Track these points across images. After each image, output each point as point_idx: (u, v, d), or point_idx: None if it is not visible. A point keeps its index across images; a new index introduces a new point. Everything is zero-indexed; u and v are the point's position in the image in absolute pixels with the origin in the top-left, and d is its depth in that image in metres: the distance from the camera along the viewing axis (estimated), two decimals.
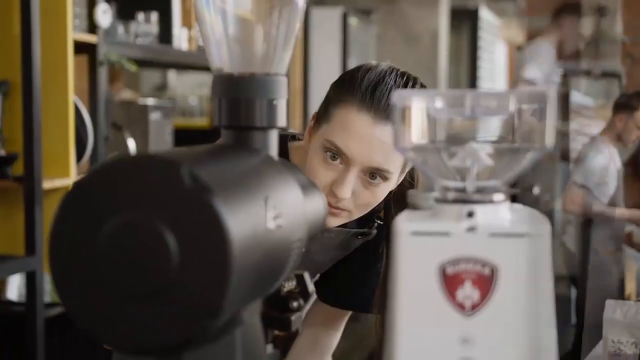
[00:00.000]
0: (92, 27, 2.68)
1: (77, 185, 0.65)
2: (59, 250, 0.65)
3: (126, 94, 4.13)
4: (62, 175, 2.52)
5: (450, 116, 0.73)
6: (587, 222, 4.36)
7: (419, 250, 0.70)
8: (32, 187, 2.35)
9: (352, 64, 5.93)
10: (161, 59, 3.19)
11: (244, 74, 0.83)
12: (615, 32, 9.75)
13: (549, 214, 4.61)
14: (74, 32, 2.58)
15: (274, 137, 0.84)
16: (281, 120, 0.84)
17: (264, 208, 0.70)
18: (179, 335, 0.63)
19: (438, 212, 0.73)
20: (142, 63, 3.19)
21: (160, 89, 5.68)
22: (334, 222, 1.32)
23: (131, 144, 2.93)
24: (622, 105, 4.48)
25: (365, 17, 5.08)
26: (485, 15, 7.57)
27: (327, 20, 5.12)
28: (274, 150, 0.84)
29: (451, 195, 0.73)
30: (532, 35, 10.06)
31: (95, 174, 0.65)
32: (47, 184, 2.44)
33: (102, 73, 2.70)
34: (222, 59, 0.84)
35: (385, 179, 1.28)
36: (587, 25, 4.59)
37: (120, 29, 2.96)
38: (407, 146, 0.74)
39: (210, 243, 0.62)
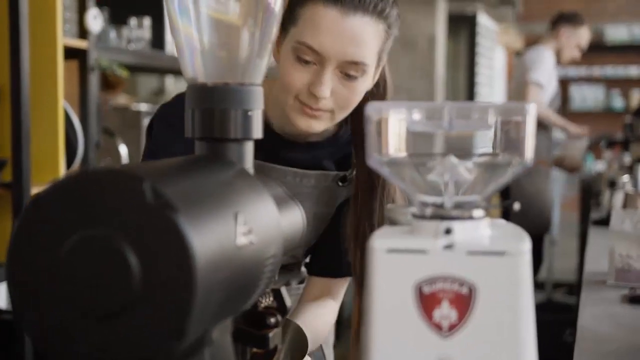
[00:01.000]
0: (83, 33, 2.66)
1: (38, 198, 0.62)
2: (18, 266, 0.62)
3: (122, 99, 4.10)
4: (52, 181, 2.49)
5: (428, 129, 0.71)
6: None
7: (394, 269, 0.68)
8: (20, 193, 2.32)
9: None
10: (153, 65, 3.17)
11: (217, 83, 0.81)
12: None
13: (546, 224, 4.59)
14: (65, 37, 2.55)
15: (249, 149, 0.82)
16: (257, 132, 0.82)
17: (234, 224, 0.67)
18: (141, 356, 0.60)
19: (416, 229, 0.71)
20: (134, 68, 3.17)
21: (158, 93, 5.66)
22: (317, 125, 1.29)
23: (123, 150, 2.90)
24: (567, 20, 4.54)
25: None
26: (484, 21, 7.55)
27: None
28: (249, 162, 0.82)
29: (429, 211, 0.70)
30: (530, 41, 10.05)
31: (57, 187, 0.62)
32: (36, 191, 2.40)
33: (93, 79, 2.67)
34: (195, 68, 0.82)
35: (362, 72, 1.25)
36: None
37: (113, 33, 2.94)
38: (382, 159, 0.71)
39: (173, 262, 0.59)
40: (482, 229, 0.70)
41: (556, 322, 4.64)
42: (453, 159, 0.71)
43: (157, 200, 0.59)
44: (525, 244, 0.67)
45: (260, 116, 0.82)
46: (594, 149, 9.98)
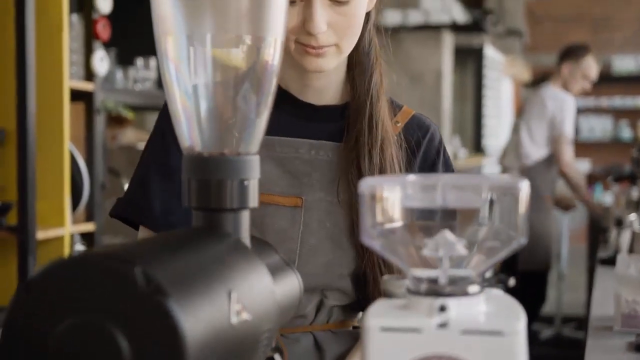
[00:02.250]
0: (90, 75, 2.68)
1: (29, 283, 0.62)
2: (10, 351, 0.62)
3: (130, 134, 4.12)
4: (57, 225, 2.50)
5: (422, 205, 0.70)
6: (534, 167, 4.44)
7: (389, 347, 0.67)
8: (26, 237, 2.33)
9: None
10: (160, 104, 3.18)
11: (213, 153, 0.81)
12: None
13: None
14: (71, 80, 2.57)
15: (245, 218, 0.82)
16: (253, 201, 0.82)
17: (227, 303, 0.67)
18: None
19: (410, 305, 0.70)
20: (141, 107, 3.19)
21: None
22: (326, 62, 1.20)
23: None
24: (569, 54, 4.55)
25: None
26: (490, 53, 7.58)
27: None
28: (245, 231, 0.82)
29: (423, 287, 0.70)
30: (537, 72, 10.08)
31: (48, 272, 0.62)
32: (41, 234, 2.41)
33: (99, 120, 2.68)
34: (191, 137, 0.82)
35: None
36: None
37: (119, 74, 2.96)
38: (375, 234, 0.71)
39: (165, 347, 0.59)
40: (477, 306, 0.69)
41: (565, 358, 4.60)
42: (448, 234, 0.70)
43: (148, 286, 0.59)
44: (521, 322, 0.67)
45: (256, 185, 0.82)
46: (602, 179, 9.97)
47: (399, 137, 1.28)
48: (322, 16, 1.15)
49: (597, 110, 10.19)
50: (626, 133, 10.09)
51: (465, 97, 7.41)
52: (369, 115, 1.25)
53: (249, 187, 0.81)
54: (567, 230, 6.10)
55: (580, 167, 10.13)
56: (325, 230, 1.23)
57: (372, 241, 0.71)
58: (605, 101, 10.11)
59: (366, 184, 0.70)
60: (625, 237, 3.02)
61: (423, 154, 1.30)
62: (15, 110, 2.39)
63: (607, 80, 10.05)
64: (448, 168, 1.28)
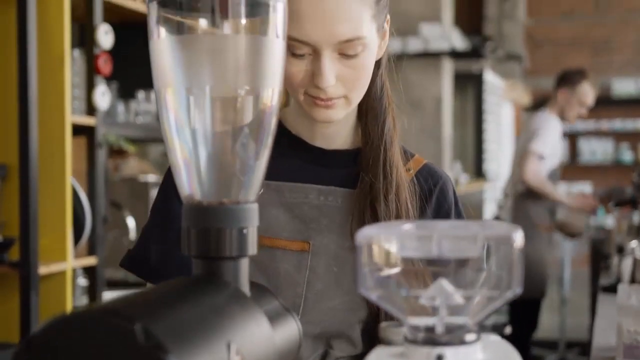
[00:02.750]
0: (91, 109, 2.69)
1: (30, 339, 0.63)
2: None
3: (133, 164, 4.14)
4: (59, 259, 2.50)
5: (418, 254, 0.71)
6: (526, 194, 4.43)
7: None
8: (28, 273, 2.33)
9: None
10: (161, 137, 3.20)
11: (212, 203, 0.82)
12: (518, 15, 9.80)
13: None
14: (73, 115, 2.59)
15: (244, 266, 0.83)
16: (252, 249, 0.83)
17: (227, 354, 0.68)
18: None
19: (408, 353, 0.71)
20: (143, 140, 3.21)
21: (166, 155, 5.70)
22: (335, 114, 1.19)
23: (131, 223, 2.92)
24: (564, 80, 4.55)
25: None
26: (490, 78, 7.61)
27: None
28: (244, 279, 0.83)
29: (420, 335, 0.71)
30: (537, 96, 10.13)
31: (49, 328, 0.63)
32: (43, 270, 2.42)
33: (101, 154, 2.70)
34: (191, 186, 0.83)
35: (361, 46, 1.15)
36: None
37: (121, 107, 2.98)
38: (372, 285, 0.72)
39: None
40: (474, 354, 0.70)
41: None
42: (444, 283, 0.71)
43: (148, 342, 0.60)
44: None
45: (255, 233, 0.83)
46: (604, 203, 9.97)
47: (411, 183, 1.27)
48: (330, 70, 1.15)
49: (598, 133, 10.22)
50: (627, 156, 10.11)
51: (465, 122, 7.44)
52: (384, 161, 1.24)
53: (247, 235, 0.82)
54: (570, 254, 6.09)
55: (582, 189, 10.16)
56: (333, 275, 1.22)
57: (369, 291, 0.72)
58: (605, 124, 10.14)
59: (363, 235, 0.71)
60: (627, 265, 3.01)
61: (435, 205, 1.29)
62: (18, 145, 2.40)
63: (607, 103, 10.09)
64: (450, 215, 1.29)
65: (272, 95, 0.84)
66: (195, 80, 0.81)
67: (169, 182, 1.27)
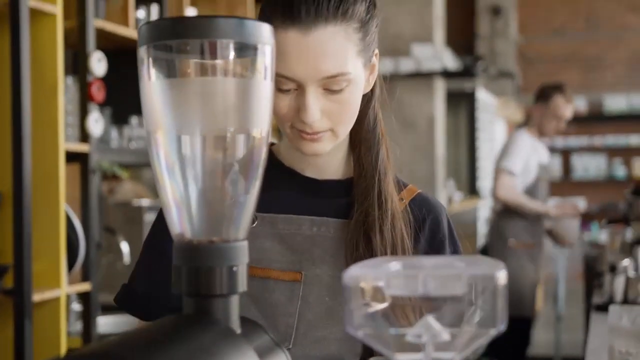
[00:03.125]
0: (85, 136, 2.71)
1: None
2: None
3: (127, 188, 4.14)
4: (53, 286, 2.51)
5: (404, 293, 0.73)
6: (504, 212, 4.41)
7: None
8: (22, 301, 2.34)
9: None
10: None
11: (203, 241, 0.83)
12: (510, 32, 9.85)
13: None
14: (66, 142, 2.60)
15: (235, 303, 0.84)
16: (242, 285, 0.84)
17: None
18: None
19: None
20: (137, 165, 3.22)
21: None
22: (322, 147, 1.20)
23: (125, 248, 2.93)
24: (539, 96, 4.56)
25: None
26: (482, 96, 7.65)
27: None
28: (234, 315, 0.84)
29: None
30: (529, 113, 10.18)
31: None
32: (37, 296, 2.42)
33: (94, 181, 2.71)
34: (182, 225, 0.85)
35: (346, 82, 1.16)
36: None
37: (114, 133, 2.99)
38: (360, 323, 0.73)
39: None
40: None
41: None
42: (431, 320, 0.73)
43: None
44: None
45: (245, 270, 0.85)
46: (598, 218, 9.99)
47: (405, 212, 1.28)
48: (315, 105, 1.16)
49: (591, 149, 10.27)
50: (620, 171, 10.16)
51: (458, 140, 7.47)
52: (378, 191, 1.25)
53: (237, 273, 0.83)
54: (564, 270, 6.11)
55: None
56: (324, 305, 1.23)
57: (356, 329, 0.74)
58: (598, 140, 10.19)
59: (350, 275, 0.73)
60: (619, 283, 3.02)
61: (429, 234, 1.30)
62: (11, 172, 2.41)
63: (600, 120, 10.15)
64: (456, 250, 1.30)
65: (260, 134, 0.85)
66: (185, 122, 0.83)
67: (161, 219, 1.28)
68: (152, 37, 0.81)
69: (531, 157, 4.45)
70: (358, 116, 1.23)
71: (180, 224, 0.85)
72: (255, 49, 0.83)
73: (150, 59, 0.82)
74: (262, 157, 0.86)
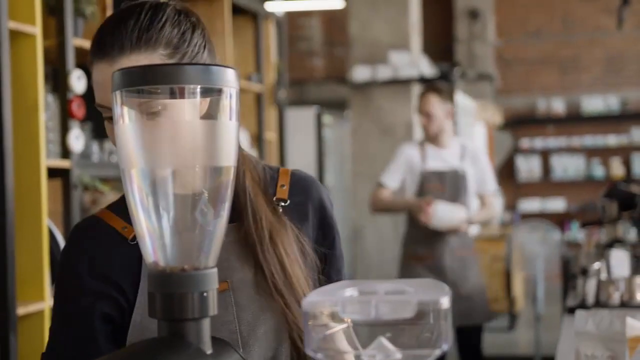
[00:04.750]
0: (66, 152, 2.76)
1: None
2: None
3: (110, 198, 4.18)
4: (37, 299, 2.57)
5: (359, 317, 0.80)
6: (405, 231, 4.19)
7: None
8: (6, 314, 2.39)
9: (328, 160, 6.07)
10: None
11: (175, 269, 0.90)
12: (487, 35, 9.94)
13: None
14: (48, 158, 2.66)
15: (206, 326, 0.91)
16: (213, 309, 0.91)
17: None
18: None
19: None
20: (118, 178, 3.28)
21: None
22: None
23: None
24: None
25: (340, 113, 5.21)
26: (461, 100, 7.74)
27: (302, 119, 5.27)
28: (206, 337, 0.91)
29: None
30: (509, 115, 10.30)
31: None
32: (21, 310, 2.48)
33: (76, 196, 2.77)
34: (155, 255, 0.91)
35: (163, 105, 1.12)
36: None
37: (95, 147, 3.05)
38: (318, 346, 0.80)
39: None
40: None
41: None
42: (383, 341, 0.80)
43: None
44: None
45: (214, 295, 0.91)
46: (577, 218, 10.12)
47: (288, 208, 1.34)
48: None
49: (570, 150, 10.40)
50: (599, 171, 10.29)
51: None
52: (252, 213, 1.30)
53: (208, 298, 0.90)
54: (542, 270, 6.20)
55: (555, 205, 10.32)
56: (257, 303, 1.29)
57: (315, 352, 0.81)
58: (576, 141, 10.32)
59: (308, 302, 0.80)
60: (591, 286, 3.09)
61: (317, 214, 1.37)
62: None
63: (577, 120, 10.28)
64: (331, 222, 1.37)
65: (228, 168, 0.92)
66: (157, 160, 0.90)
67: (69, 274, 1.29)
68: (125, 83, 0.88)
69: (407, 164, 4.17)
70: None
71: (153, 253, 0.92)
72: (220, 91, 0.90)
73: (124, 103, 0.88)
74: (229, 188, 0.93)
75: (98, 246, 1.28)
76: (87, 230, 1.31)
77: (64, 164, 2.74)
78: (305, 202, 1.37)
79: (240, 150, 1.33)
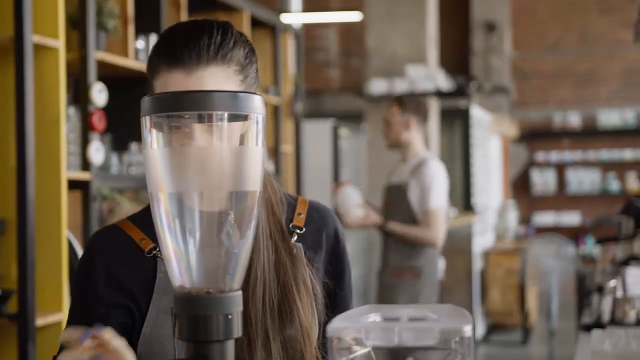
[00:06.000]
0: (86, 164, 2.79)
1: None
2: None
3: (127, 207, 4.21)
4: (56, 310, 2.59)
5: (382, 344, 0.81)
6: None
7: None
8: (25, 325, 2.42)
9: (343, 172, 6.09)
10: None
11: (201, 292, 0.92)
12: (504, 48, 9.89)
13: None
14: (68, 171, 2.69)
15: (230, 348, 0.92)
16: (237, 331, 0.93)
17: None
18: None
19: None
20: (137, 189, 3.31)
21: None
22: None
23: None
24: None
25: (356, 126, 5.23)
26: (477, 112, 7.74)
27: (319, 132, 5.28)
28: (230, 359, 0.92)
29: None
30: (524, 128, 10.29)
31: None
32: (40, 321, 2.50)
33: (95, 207, 2.80)
34: (182, 278, 0.93)
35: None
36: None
37: (115, 159, 3.08)
38: None
39: None
40: None
41: None
42: None
43: None
44: None
45: (239, 317, 0.93)
46: (592, 232, 10.08)
47: (303, 236, 1.35)
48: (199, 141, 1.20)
49: (585, 164, 10.36)
50: (614, 185, 10.24)
51: (453, 157, 7.55)
52: (261, 241, 1.30)
53: (233, 320, 0.92)
54: (557, 285, 6.19)
55: (570, 219, 10.29)
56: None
57: None
58: (592, 154, 10.28)
59: (332, 328, 0.81)
60: (607, 304, 3.08)
61: (329, 243, 1.38)
62: (15, 200, 2.50)
63: (594, 134, 10.24)
64: (343, 255, 1.38)
65: (253, 192, 0.94)
66: (184, 184, 0.91)
67: (85, 282, 1.30)
68: (155, 108, 0.90)
69: None
70: None
71: (180, 276, 0.93)
72: (246, 118, 0.91)
73: (153, 129, 0.90)
74: (255, 211, 0.95)
75: (114, 255, 1.30)
76: (105, 238, 1.33)
77: (84, 176, 2.77)
78: (320, 231, 1.38)
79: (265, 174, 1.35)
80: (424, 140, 4.20)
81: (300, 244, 1.34)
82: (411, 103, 4.17)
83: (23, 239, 2.47)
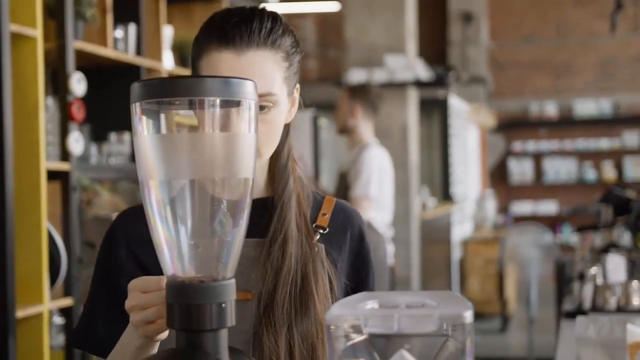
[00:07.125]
0: (65, 155, 2.76)
1: None
2: None
3: (105, 198, 4.17)
4: (36, 302, 2.56)
5: (381, 331, 0.80)
6: None
7: None
8: (5, 317, 2.39)
9: (324, 163, 6.08)
10: (134, 177, 3.27)
11: (193, 280, 0.90)
12: (481, 39, 9.95)
13: None
14: (47, 161, 2.65)
15: (224, 336, 0.91)
16: (230, 320, 0.91)
17: None
18: None
19: None
20: (116, 179, 3.27)
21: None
22: None
23: None
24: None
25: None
26: (455, 102, 7.76)
27: (298, 122, 5.27)
28: (224, 348, 0.91)
29: None
30: (502, 118, 10.33)
31: None
32: (20, 313, 2.47)
33: (75, 198, 2.76)
34: (174, 267, 0.91)
35: (273, 102, 1.25)
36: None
37: (94, 150, 3.04)
38: (340, 356, 0.80)
39: None
40: None
41: None
42: (405, 354, 0.80)
43: None
44: None
45: (232, 305, 0.91)
46: (570, 221, 10.16)
47: (326, 235, 1.35)
48: None
49: (562, 153, 10.42)
50: (590, 174, 10.32)
51: (432, 147, 7.57)
52: (282, 236, 1.30)
53: (226, 309, 0.90)
54: (537, 274, 6.22)
55: (547, 208, 10.36)
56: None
57: None
58: (569, 144, 10.35)
59: (332, 315, 0.80)
60: (588, 291, 3.10)
61: (353, 243, 1.38)
62: None
63: (570, 124, 10.31)
64: (367, 255, 1.38)
65: (246, 179, 0.92)
66: (175, 172, 0.90)
67: (107, 256, 1.32)
68: (144, 94, 0.88)
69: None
70: (277, 146, 1.30)
71: (172, 265, 0.92)
72: (239, 104, 0.90)
73: (143, 115, 0.88)
74: (248, 199, 0.93)
75: (136, 233, 1.28)
76: (129, 216, 1.33)
77: (63, 166, 2.73)
78: (345, 231, 1.37)
79: (291, 160, 1.35)
80: (371, 129, 4.24)
81: (322, 245, 1.33)
82: (360, 92, 4.22)
83: (2, 230, 2.44)
